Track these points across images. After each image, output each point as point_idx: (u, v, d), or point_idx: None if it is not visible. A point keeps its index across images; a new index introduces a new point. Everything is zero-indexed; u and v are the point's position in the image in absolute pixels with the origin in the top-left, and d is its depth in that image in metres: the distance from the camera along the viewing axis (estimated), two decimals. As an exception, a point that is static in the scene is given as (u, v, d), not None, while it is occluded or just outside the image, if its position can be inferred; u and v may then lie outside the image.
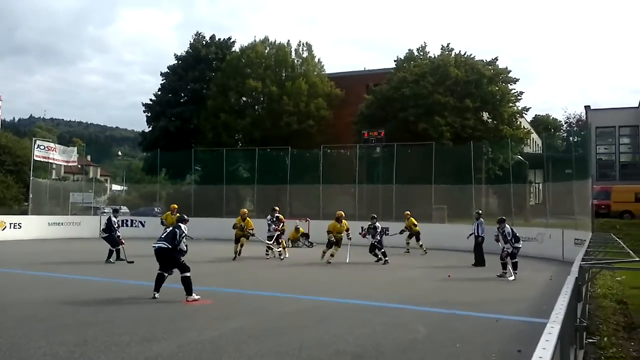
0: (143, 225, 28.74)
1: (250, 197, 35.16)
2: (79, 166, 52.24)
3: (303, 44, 45.76)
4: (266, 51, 45.26)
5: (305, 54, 45.50)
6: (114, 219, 16.60)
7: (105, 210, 40.69)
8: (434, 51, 43.41)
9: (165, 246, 9.74)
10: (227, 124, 42.17)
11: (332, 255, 16.78)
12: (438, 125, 34.96)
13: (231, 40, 51.90)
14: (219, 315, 8.27)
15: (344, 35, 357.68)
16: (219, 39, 51.84)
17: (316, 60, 46.05)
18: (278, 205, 20.06)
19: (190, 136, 46.76)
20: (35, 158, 29.60)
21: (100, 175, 67.49)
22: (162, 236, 10.03)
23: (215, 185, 31.95)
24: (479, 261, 16.88)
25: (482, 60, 39.74)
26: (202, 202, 31.43)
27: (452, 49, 41.35)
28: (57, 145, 33.59)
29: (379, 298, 10.27)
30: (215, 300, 9.77)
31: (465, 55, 40.09)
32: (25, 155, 44.06)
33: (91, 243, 24.48)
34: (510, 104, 39.05)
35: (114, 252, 15.99)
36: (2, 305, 8.78)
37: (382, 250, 17.28)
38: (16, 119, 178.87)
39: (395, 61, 42.47)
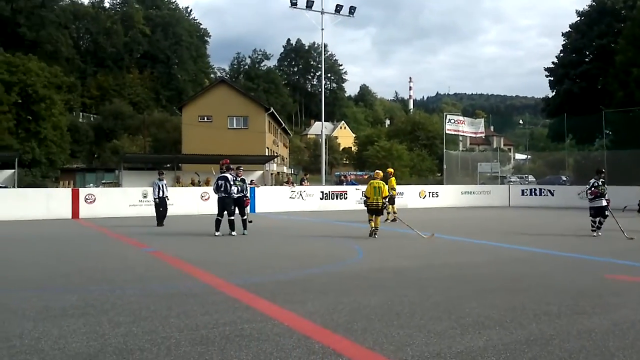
0: (552, 194, 28.08)
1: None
2: (484, 137, 54.47)
3: None
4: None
5: None
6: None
7: (512, 180, 41.45)
8: None
9: None
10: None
11: None
12: None
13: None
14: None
15: None
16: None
17: None
18: None
19: (597, 97, 43.23)
20: (447, 132, 31.94)
21: (504, 145, 68.81)
22: None
23: (630, 149, 28.70)
24: None
25: None
26: (615, 168, 28.72)
27: None
28: (465, 118, 35.60)
29: None
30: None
31: None
32: (435, 130, 48.51)
33: (502, 211, 25.33)
34: None
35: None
36: (435, 266, 9.87)
37: None
38: (425, 98, 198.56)
39: None
